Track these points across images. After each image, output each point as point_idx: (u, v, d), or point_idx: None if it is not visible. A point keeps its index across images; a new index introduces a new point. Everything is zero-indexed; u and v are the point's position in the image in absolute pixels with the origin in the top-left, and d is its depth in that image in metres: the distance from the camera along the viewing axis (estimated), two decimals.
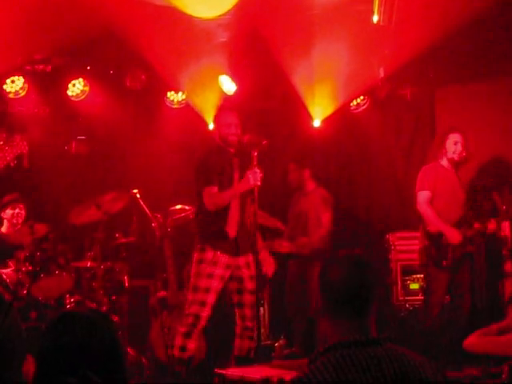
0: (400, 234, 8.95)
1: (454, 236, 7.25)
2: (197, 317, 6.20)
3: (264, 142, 6.09)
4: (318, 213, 8.36)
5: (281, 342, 8.22)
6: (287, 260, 8.30)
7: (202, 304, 6.19)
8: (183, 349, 6.25)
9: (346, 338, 2.62)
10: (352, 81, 9.05)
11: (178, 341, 6.29)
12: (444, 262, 7.29)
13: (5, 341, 1.95)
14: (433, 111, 9.64)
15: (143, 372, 7.29)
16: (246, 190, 6.17)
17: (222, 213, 6.18)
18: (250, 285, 6.34)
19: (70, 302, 7.49)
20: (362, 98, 9.68)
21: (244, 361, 6.29)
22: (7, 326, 1.96)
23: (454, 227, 7.30)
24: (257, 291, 6.15)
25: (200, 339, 7.20)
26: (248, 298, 6.36)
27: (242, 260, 6.29)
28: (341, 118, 9.55)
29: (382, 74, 8.97)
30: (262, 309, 7.60)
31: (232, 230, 6.23)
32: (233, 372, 5.07)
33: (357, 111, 9.78)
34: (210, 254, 6.20)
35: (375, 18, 7.77)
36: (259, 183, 6.03)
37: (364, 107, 9.74)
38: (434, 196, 7.43)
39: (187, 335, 6.23)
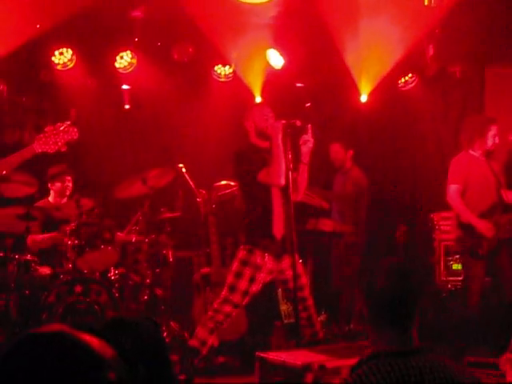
0: (445, 213, 8.81)
1: (485, 229, 7.16)
2: (227, 316, 6.03)
3: (298, 124, 5.94)
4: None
5: (321, 317, 8.25)
6: (332, 238, 8.32)
7: (236, 306, 6.03)
8: (204, 343, 6.07)
9: (388, 347, 2.63)
10: (401, 58, 8.97)
11: (202, 333, 6.08)
12: (480, 252, 7.22)
13: None
14: (482, 90, 9.51)
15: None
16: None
17: (268, 214, 5.99)
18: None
19: (114, 275, 7.60)
20: (410, 75, 9.59)
21: (310, 344, 6.02)
22: None
23: (485, 218, 7.20)
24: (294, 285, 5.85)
25: (241, 316, 7.27)
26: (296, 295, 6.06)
27: (286, 262, 6.03)
28: (388, 95, 9.49)
29: (431, 51, 8.87)
30: None
31: (278, 230, 6.01)
32: (274, 356, 5.09)
33: (405, 88, 9.70)
34: (258, 258, 5.98)
35: None
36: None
37: (412, 85, 9.65)
38: (466, 188, 7.33)
39: (212, 331, 6.06)
